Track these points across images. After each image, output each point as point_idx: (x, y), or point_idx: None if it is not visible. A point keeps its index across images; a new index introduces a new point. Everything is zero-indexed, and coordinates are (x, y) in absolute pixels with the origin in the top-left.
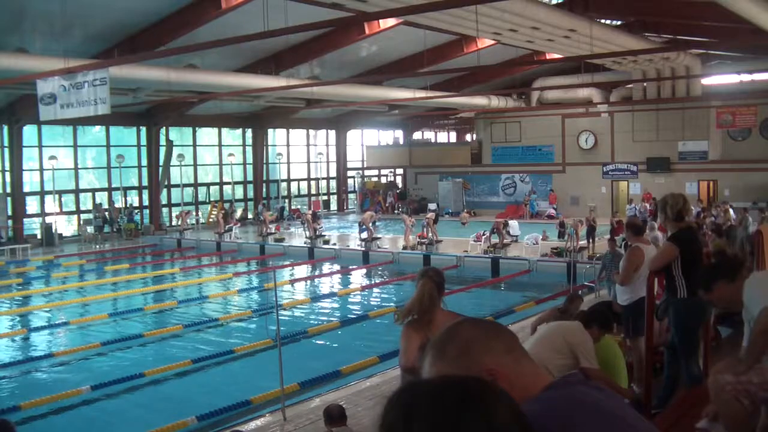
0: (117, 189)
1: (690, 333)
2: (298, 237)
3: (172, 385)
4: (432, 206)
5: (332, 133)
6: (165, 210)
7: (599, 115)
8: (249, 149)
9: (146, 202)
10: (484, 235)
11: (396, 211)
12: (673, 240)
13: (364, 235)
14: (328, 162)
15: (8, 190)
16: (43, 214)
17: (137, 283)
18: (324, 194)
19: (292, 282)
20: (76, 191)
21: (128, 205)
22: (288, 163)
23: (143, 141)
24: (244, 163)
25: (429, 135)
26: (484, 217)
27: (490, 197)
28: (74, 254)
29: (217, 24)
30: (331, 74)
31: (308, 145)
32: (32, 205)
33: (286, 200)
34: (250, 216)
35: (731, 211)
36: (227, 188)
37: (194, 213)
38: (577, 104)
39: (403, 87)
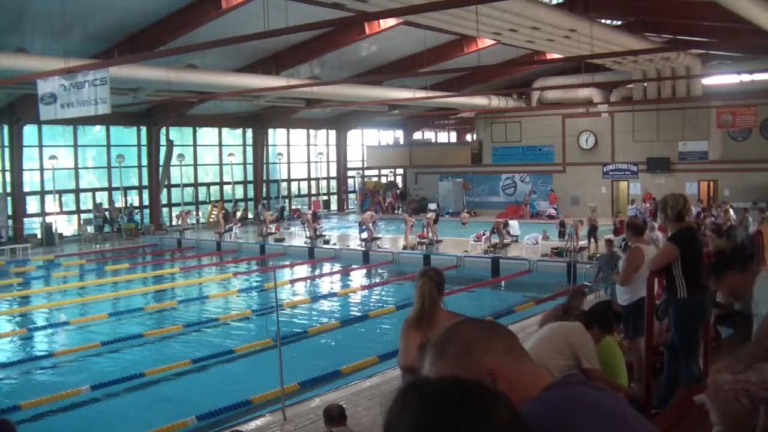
0: (117, 189)
1: (690, 333)
2: (298, 237)
3: (172, 385)
4: (432, 206)
5: (332, 133)
6: (165, 210)
7: (599, 115)
8: (249, 149)
9: (146, 202)
10: (484, 235)
11: (396, 211)
12: (673, 240)
13: (365, 235)
14: (328, 162)
15: (8, 189)
16: (43, 213)
17: (137, 282)
18: (324, 194)
19: (292, 282)
20: (77, 191)
21: (128, 205)
22: (288, 163)
23: (143, 141)
24: (245, 163)
25: (429, 135)
26: (484, 217)
27: (491, 197)
28: (74, 254)
29: (218, 24)
30: (331, 74)
31: (308, 145)
32: (32, 204)
33: (287, 200)
34: (250, 216)
35: (731, 211)
36: (227, 188)
37: (194, 213)
38: (577, 104)
39: (403, 87)
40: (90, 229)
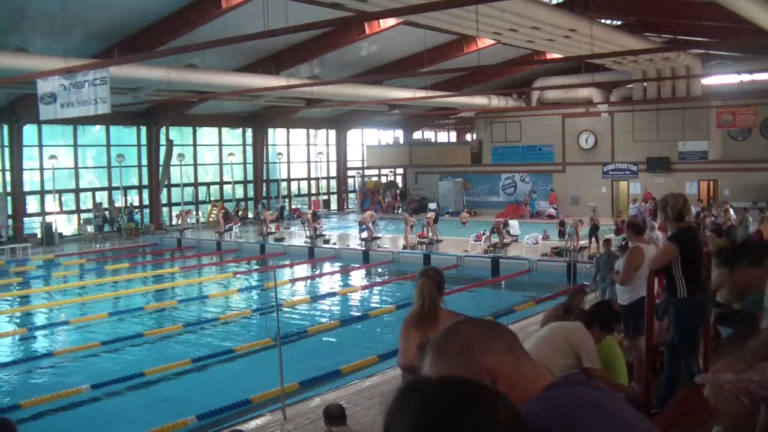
0: (117, 188)
1: (690, 333)
2: (298, 236)
3: (172, 385)
4: (432, 206)
5: (332, 132)
6: (165, 209)
7: (599, 115)
8: (249, 149)
9: (146, 202)
10: (484, 234)
11: (396, 211)
12: (673, 240)
13: (365, 234)
14: (328, 161)
15: (8, 189)
16: (43, 213)
17: (137, 282)
18: (324, 194)
19: (292, 281)
20: (77, 190)
21: (128, 205)
22: (288, 162)
23: (143, 140)
24: (244, 163)
25: (429, 135)
26: (484, 216)
27: (490, 197)
28: (74, 253)
29: (218, 24)
30: (331, 74)
31: (308, 144)
32: (32, 204)
33: (286, 200)
34: (250, 215)
35: (731, 210)
36: (227, 188)
37: (194, 212)
38: (577, 104)
39: (403, 87)
40: (90, 228)
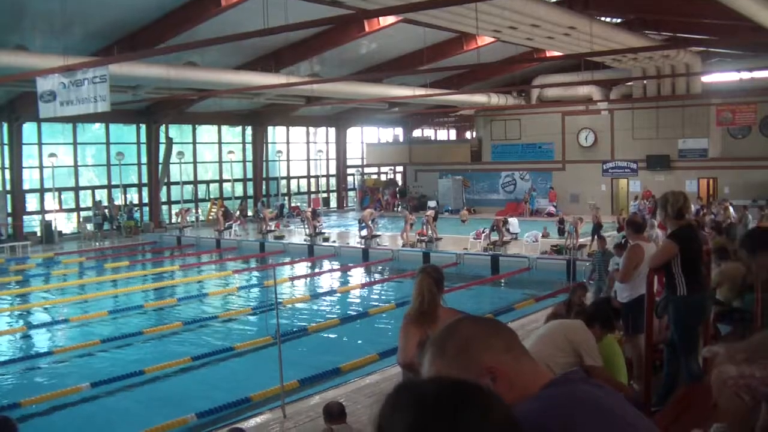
0: (117, 186)
1: (689, 330)
2: (297, 234)
3: (172, 383)
4: (432, 203)
5: (332, 130)
6: (165, 207)
7: (599, 113)
8: (249, 147)
9: (146, 200)
10: (483, 232)
11: (396, 209)
12: (672, 238)
13: (364, 232)
14: (327, 159)
15: (8, 187)
16: (42, 211)
17: (137, 280)
18: (324, 192)
19: (292, 279)
20: (76, 188)
21: (128, 203)
22: (288, 160)
23: (143, 138)
24: (244, 161)
25: (429, 132)
26: (483, 214)
27: (490, 195)
28: (74, 251)
29: (217, 21)
30: (331, 72)
31: (308, 142)
32: (32, 202)
33: (286, 198)
34: (249, 213)
35: (731, 208)
36: (227, 186)
37: (194, 210)
38: (577, 102)
39: (403, 84)
40: (89, 226)
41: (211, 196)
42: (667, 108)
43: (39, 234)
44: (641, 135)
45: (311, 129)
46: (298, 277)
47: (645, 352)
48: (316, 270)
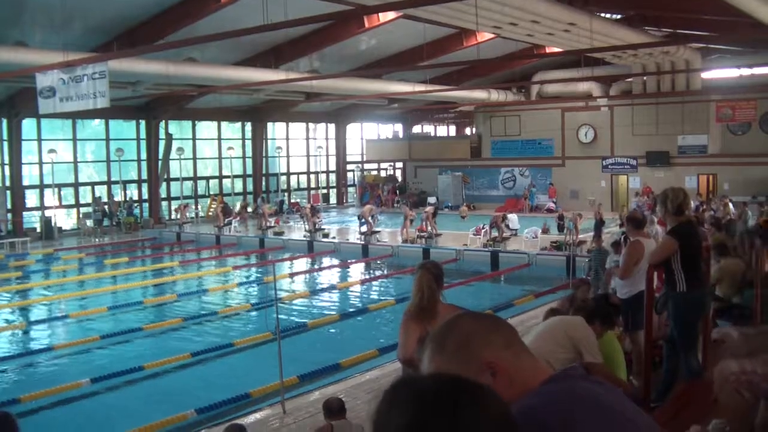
0: (116, 182)
1: (689, 327)
2: (297, 230)
3: (172, 379)
4: (431, 200)
5: (332, 126)
6: (164, 203)
7: (599, 109)
8: (248, 143)
9: (145, 196)
10: (483, 228)
11: (395, 205)
12: (672, 234)
13: (364, 228)
14: (327, 155)
15: (7, 183)
16: (42, 207)
17: (136, 276)
18: (323, 188)
19: (292, 275)
20: (76, 185)
21: (128, 199)
22: (287, 156)
23: (142, 134)
24: (244, 157)
25: (428, 128)
26: (483, 210)
27: (490, 191)
28: (73, 248)
29: (217, 17)
30: (330, 68)
31: (308, 138)
32: (31, 198)
33: (286, 194)
34: (249, 209)
35: (731, 205)
36: (227, 182)
37: (194, 206)
38: (576, 98)
39: (402, 80)
40: (89, 222)
41: (211, 193)
42: (667, 104)
43: (39, 230)
44: (641, 131)
45: (311, 125)
46: (298, 273)
47: (644, 348)
48: (316, 266)
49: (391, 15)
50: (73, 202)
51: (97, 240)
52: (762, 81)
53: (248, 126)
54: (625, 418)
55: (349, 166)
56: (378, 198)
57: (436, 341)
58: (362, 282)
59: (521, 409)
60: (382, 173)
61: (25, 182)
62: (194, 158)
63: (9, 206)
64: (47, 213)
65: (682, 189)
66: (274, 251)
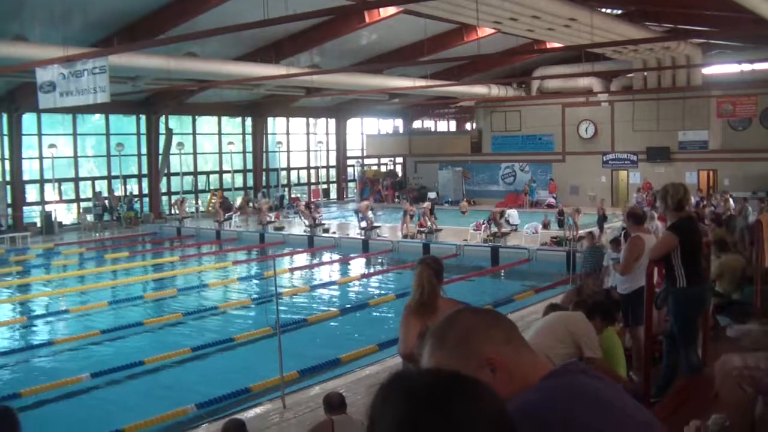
0: (116, 177)
1: (689, 322)
2: (297, 225)
3: (172, 373)
4: (432, 195)
5: (332, 121)
6: (165, 198)
7: (599, 105)
8: (249, 138)
9: (146, 191)
10: (483, 224)
11: (395, 200)
12: (672, 229)
13: (364, 223)
14: (327, 150)
15: (8, 178)
16: (42, 202)
17: (137, 271)
18: (324, 183)
19: (292, 270)
20: (76, 179)
21: (128, 194)
22: (288, 151)
23: (143, 129)
24: (244, 152)
25: (429, 124)
26: (483, 206)
27: (490, 186)
28: (74, 242)
29: (217, 12)
30: (331, 63)
31: (308, 133)
32: (32, 193)
33: (286, 189)
34: (251, 205)
35: (731, 200)
36: (227, 177)
37: (194, 201)
38: (577, 93)
39: (403, 76)
40: (89, 217)
41: (211, 187)
42: (668, 100)
43: (39, 225)
44: (641, 127)
45: (311, 120)
46: (298, 268)
47: (644, 343)
48: (316, 261)
49: (391, 10)
50: (73, 196)
51: (97, 235)
52: (763, 76)
53: (248, 121)
54: (625, 413)
55: (349, 161)
56: (378, 193)
57: (436, 336)
58: (362, 277)
59: (521, 404)
60: (383, 168)
61: (26, 177)
62: (194, 153)
63: (9, 201)
64: (47, 208)
65: (682, 185)
66: (274, 246)
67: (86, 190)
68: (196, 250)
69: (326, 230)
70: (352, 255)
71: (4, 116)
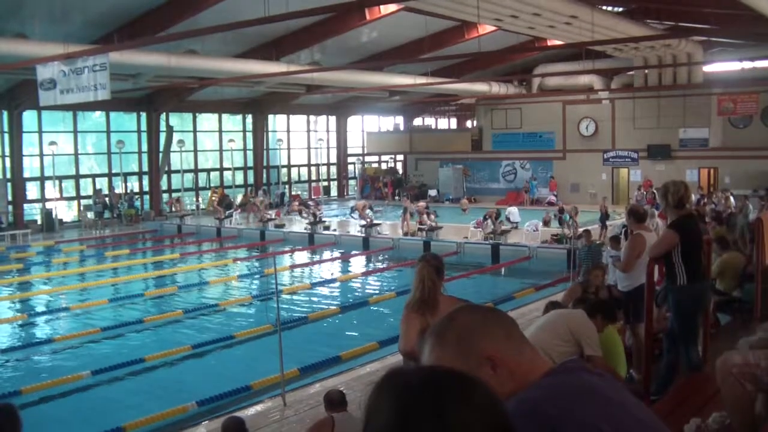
0: (117, 175)
1: (689, 320)
2: (298, 223)
3: (172, 371)
4: (432, 192)
5: (333, 119)
6: (165, 196)
7: (600, 102)
8: (249, 135)
9: (146, 188)
10: (484, 221)
11: (396, 197)
12: (673, 227)
13: (363, 221)
14: (328, 148)
15: (8, 175)
16: (43, 199)
17: (137, 268)
18: (324, 180)
19: (292, 268)
20: (77, 177)
21: (128, 191)
22: (288, 149)
23: (143, 126)
24: (245, 149)
25: (429, 121)
26: (484, 203)
27: (491, 184)
28: (74, 240)
29: (218, 9)
30: (331, 60)
31: (309, 131)
32: (32, 190)
33: (287, 186)
34: (252, 201)
35: (732, 198)
36: (227, 174)
37: (195, 199)
38: (578, 91)
39: (404, 73)
40: (90, 215)
41: (212, 185)
42: (669, 97)
43: (39, 222)
44: (642, 124)
45: (312, 117)
46: (299, 266)
47: (645, 341)
48: (317, 258)
49: (392, 7)
50: (73, 194)
51: (98, 232)
52: (764, 74)
53: (249, 118)
54: (625, 410)
55: (350, 159)
56: (378, 191)
57: (436, 334)
58: (363, 274)
59: (522, 401)
60: (383, 166)
61: (26, 174)
62: (195, 150)
63: (10, 198)
64: (48, 205)
65: (683, 182)
66: (274, 243)
67: (87, 187)
68: (197, 248)
69: (327, 228)
70: (352, 252)
71: (5, 113)
